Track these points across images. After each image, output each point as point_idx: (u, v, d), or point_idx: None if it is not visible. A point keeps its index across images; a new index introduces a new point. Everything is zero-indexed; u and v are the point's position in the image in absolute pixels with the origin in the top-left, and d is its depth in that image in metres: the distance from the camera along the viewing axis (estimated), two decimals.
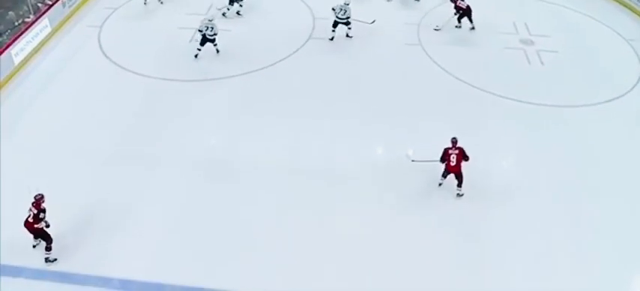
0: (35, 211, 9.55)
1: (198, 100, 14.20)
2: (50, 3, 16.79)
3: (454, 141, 11.12)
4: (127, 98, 14.23)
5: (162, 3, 18.42)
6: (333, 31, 16.43)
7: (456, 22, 17.13)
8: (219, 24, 15.78)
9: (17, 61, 15.13)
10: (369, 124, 13.34)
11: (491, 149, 12.67)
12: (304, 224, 10.76)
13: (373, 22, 16.81)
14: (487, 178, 11.87)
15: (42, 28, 16.21)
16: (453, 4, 16.89)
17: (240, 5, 17.75)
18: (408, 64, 15.83)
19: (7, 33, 16.03)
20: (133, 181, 11.68)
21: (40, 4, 16.99)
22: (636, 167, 12.38)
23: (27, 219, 9.62)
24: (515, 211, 11.19)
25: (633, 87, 15.05)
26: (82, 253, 10.11)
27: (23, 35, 15.44)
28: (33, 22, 15.97)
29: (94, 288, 9.59)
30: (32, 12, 16.62)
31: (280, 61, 15.69)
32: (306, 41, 16.66)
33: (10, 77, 14.77)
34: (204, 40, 15.43)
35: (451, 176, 11.24)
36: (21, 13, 16.77)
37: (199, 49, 15.63)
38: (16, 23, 16.49)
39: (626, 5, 18.96)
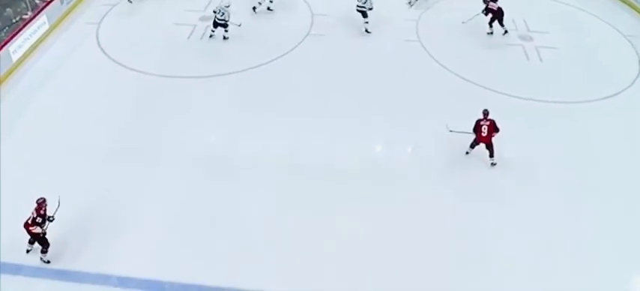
0: (35, 215, 9.47)
1: (197, 97, 14.16)
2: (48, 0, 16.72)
3: (485, 112, 11.64)
4: (126, 95, 14.16)
5: None
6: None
7: (488, 28, 16.59)
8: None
9: (15, 58, 15.06)
10: (369, 121, 13.33)
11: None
12: (304, 222, 10.72)
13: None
14: (485, 176, 11.89)
15: (40, 24, 16.15)
16: (484, 5, 16.29)
17: (271, 0, 17.71)
18: (408, 60, 15.81)
19: (4, 30, 15.94)
20: (132, 179, 11.63)
21: (37, 1, 16.88)
22: (636, 164, 12.36)
23: (27, 220, 9.54)
24: (514, 209, 11.17)
25: (632, 83, 15.03)
26: (80, 250, 10.06)
27: (21, 32, 15.38)
28: (31, 19, 15.89)
29: (92, 285, 9.54)
30: (30, 9, 16.50)
31: (278, 57, 15.65)
32: (305, 38, 16.63)
33: (8, 74, 14.69)
34: (215, 23, 15.93)
35: (478, 148, 11.81)
36: (19, 9, 16.66)
37: (213, 30, 16.17)
38: (14, 20, 16.40)
39: (625, 2, 18.92)
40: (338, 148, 12.53)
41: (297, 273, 9.80)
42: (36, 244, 9.82)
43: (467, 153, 12.20)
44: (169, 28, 16.95)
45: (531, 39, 16.79)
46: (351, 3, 16.54)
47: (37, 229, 9.51)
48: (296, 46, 16.22)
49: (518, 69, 15.60)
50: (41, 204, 9.52)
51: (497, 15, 16.31)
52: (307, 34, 16.78)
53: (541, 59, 16.00)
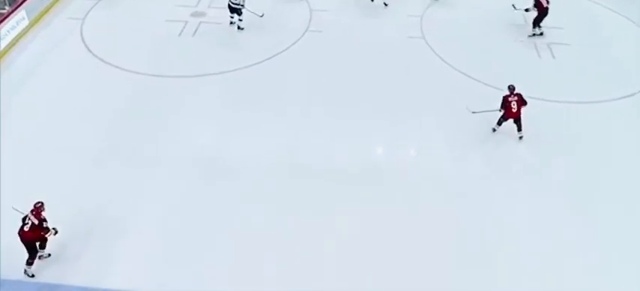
0: (36, 221, 9.03)
1: (190, 96, 13.72)
2: None
3: (512, 88, 12.03)
4: (113, 95, 13.66)
5: None
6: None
7: (532, 30, 15.97)
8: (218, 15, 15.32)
9: None
10: (370, 120, 13.03)
11: (497, 148, 12.33)
12: (304, 222, 10.56)
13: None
14: (490, 176, 11.66)
15: (18, 20, 15.61)
16: (532, 1, 15.69)
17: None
18: (411, 57, 15.46)
19: None
20: (124, 182, 11.20)
21: None
22: None
23: (22, 228, 9.01)
24: (521, 211, 10.89)
25: None
26: (69, 261, 9.63)
27: None
28: (9, 14, 15.32)
29: None
30: (8, 3, 15.98)
31: (276, 55, 15.27)
32: (303, 34, 16.21)
33: None
34: (231, 8, 15.63)
35: (506, 124, 12.09)
36: None
37: (232, 16, 15.94)
38: None
39: None
40: (338, 147, 12.32)
41: (297, 273, 9.68)
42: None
43: (494, 130, 12.50)
44: (159, 24, 16.55)
45: (543, 35, 16.24)
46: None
47: (50, 233, 9.18)
48: (294, 43, 15.82)
49: (529, 67, 15.13)
50: (39, 208, 9.13)
51: (545, 14, 15.69)
52: (306, 30, 16.39)
53: (553, 56, 15.60)
